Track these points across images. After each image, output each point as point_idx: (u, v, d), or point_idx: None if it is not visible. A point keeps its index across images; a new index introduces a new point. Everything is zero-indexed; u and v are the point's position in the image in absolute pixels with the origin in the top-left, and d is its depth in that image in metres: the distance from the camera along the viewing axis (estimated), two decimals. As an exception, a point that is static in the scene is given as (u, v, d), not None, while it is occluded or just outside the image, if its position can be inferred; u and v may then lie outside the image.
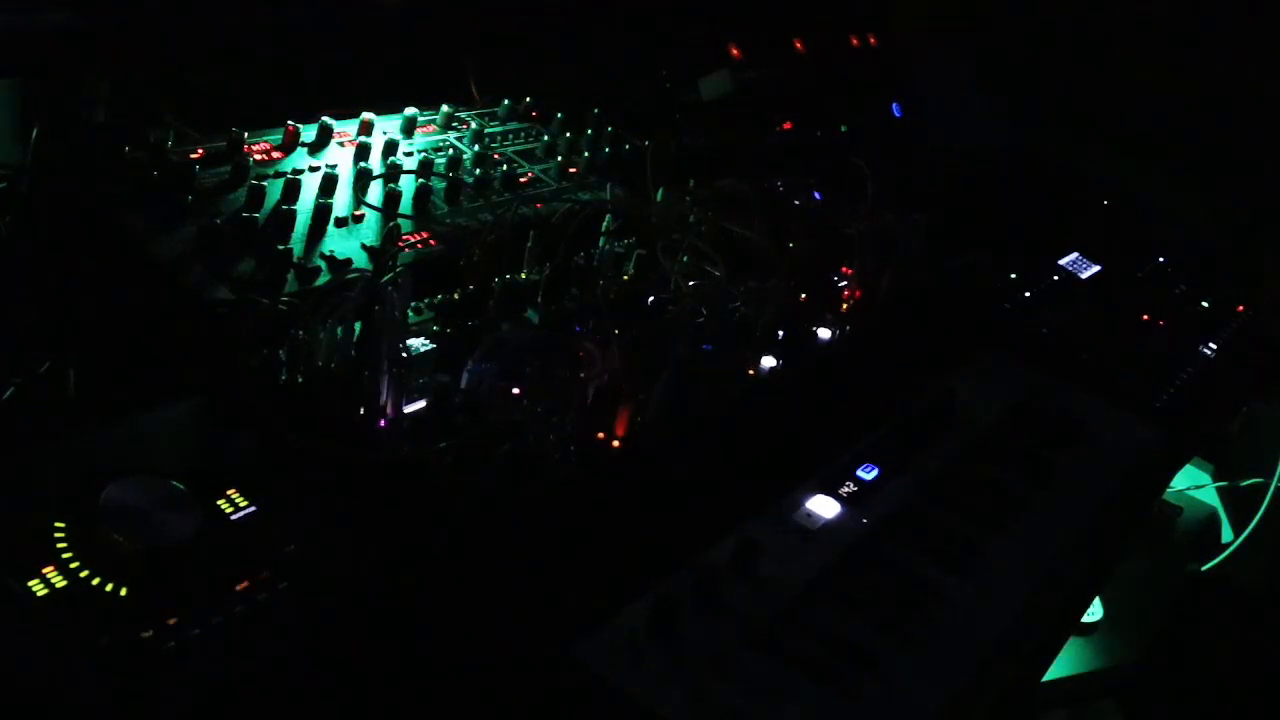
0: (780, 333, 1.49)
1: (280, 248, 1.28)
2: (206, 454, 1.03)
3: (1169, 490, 2.37)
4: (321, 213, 1.37)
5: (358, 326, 1.18)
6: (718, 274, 1.48)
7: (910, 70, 2.54)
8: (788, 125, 2.17)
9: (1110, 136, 2.42)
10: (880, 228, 1.68)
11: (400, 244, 1.38)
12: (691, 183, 1.74)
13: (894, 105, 2.50)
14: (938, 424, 1.52)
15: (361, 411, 1.13)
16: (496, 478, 1.11)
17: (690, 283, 1.46)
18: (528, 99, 1.85)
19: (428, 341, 1.26)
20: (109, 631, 0.85)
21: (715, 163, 1.87)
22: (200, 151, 1.40)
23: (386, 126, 1.61)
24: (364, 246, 1.37)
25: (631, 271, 1.51)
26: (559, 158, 1.73)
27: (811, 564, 1.20)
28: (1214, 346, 2.04)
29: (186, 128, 1.45)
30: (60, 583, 0.87)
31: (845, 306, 1.65)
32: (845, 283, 1.69)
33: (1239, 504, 2.56)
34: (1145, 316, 2.06)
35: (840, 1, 2.49)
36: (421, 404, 1.17)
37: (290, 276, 1.27)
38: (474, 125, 1.72)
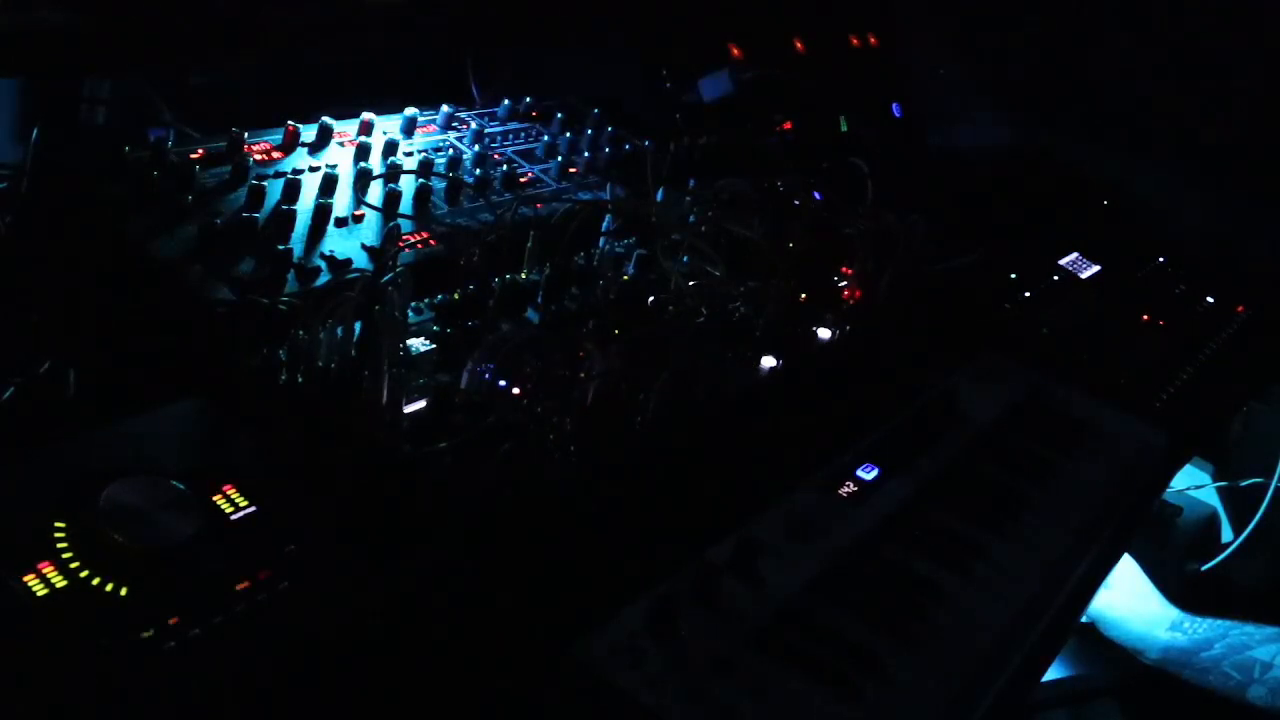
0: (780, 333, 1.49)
1: (280, 248, 1.28)
2: (206, 454, 1.03)
3: (1169, 490, 2.36)
4: (321, 213, 1.37)
5: (358, 326, 1.18)
6: (718, 274, 1.48)
7: (910, 70, 2.54)
8: (788, 125, 2.17)
9: (1110, 136, 2.42)
10: (880, 228, 1.68)
11: (400, 244, 1.38)
12: (691, 183, 1.74)
13: (894, 105, 2.50)
14: (938, 424, 1.52)
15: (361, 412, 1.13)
16: (496, 478, 1.11)
17: (690, 283, 1.46)
18: (528, 99, 1.85)
19: (428, 341, 1.26)
20: (109, 631, 0.85)
21: (715, 163, 1.87)
22: (200, 151, 1.40)
23: (386, 126, 1.61)
24: (364, 246, 1.37)
25: (631, 271, 1.51)
26: (559, 158, 1.73)
27: (811, 564, 1.20)
28: (1214, 347, 2.04)
29: (186, 128, 1.46)
30: (60, 582, 0.87)
31: (845, 306, 1.65)
32: (845, 283, 1.69)
33: (1239, 504, 2.56)
34: (1145, 316, 2.06)
35: (840, 1, 2.49)
36: (421, 404, 1.17)
37: (290, 276, 1.27)
38: (474, 125, 1.72)
